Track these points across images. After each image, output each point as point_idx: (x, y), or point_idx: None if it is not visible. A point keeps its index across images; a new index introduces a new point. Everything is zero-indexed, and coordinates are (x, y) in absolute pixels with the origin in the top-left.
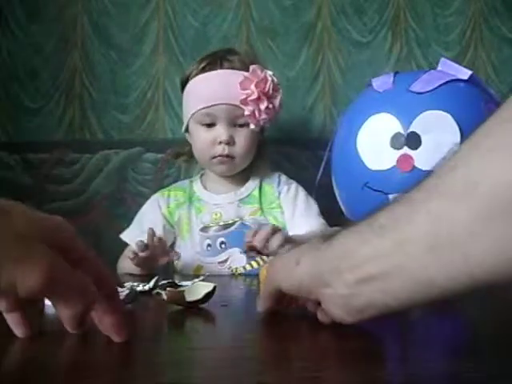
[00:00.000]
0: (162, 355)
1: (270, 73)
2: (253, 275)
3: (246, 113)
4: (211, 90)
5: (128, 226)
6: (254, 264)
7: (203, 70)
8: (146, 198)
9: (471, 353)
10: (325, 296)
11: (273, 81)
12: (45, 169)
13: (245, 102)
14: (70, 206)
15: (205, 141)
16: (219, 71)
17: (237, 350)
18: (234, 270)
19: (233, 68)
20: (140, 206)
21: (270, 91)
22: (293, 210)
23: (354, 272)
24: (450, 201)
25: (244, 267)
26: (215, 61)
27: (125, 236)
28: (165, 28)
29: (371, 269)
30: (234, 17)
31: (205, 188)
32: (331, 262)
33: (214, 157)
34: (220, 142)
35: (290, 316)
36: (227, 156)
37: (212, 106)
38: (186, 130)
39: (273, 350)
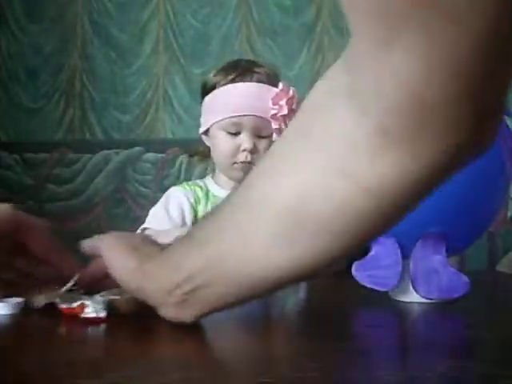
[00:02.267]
0: (162, 355)
1: (293, 89)
2: None
3: (275, 126)
4: (242, 100)
5: (128, 226)
6: None
7: (233, 81)
8: (146, 198)
9: (471, 353)
10: (160, 310)
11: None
12: (45, 169)
13: (275, 116)
14: (70, 206)
15: (229, 147)
16: (250, 84)
17: (237, 350)
18: None
19: (261, 80)
20: (140, 206)
21: (295, 107)
22: None
23: (181, 287)
24: (249, 213)
25: None
26: (244, 73)
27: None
28: (165, 28)
29: (197, 281)
30: (233, 17)
31: (219, 186)
32: (162, 277)
33: (236, 163)
34: (243, 150)
35: (289, 316)
36: (249, 163)
37: (241, 116)
38: (204, 132)
39: (273, 349)
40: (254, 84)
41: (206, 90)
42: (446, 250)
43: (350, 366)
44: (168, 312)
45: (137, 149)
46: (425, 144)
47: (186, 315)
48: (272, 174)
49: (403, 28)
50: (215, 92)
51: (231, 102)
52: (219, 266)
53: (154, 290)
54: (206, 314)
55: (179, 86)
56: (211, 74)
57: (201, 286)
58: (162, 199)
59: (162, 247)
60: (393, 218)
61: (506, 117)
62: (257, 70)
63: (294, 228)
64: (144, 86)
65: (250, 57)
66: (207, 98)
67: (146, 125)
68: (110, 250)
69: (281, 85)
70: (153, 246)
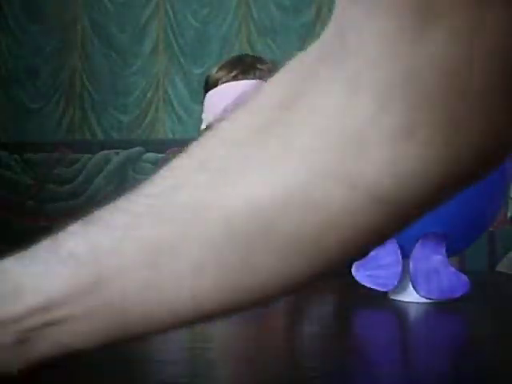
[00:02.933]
0: (162, 355)
1: None
2: None
3: None
4: (244, 98)
5: None
6: None
7: (235, 78)
8: None
9: (471, 353)
10: None
11: None
12: (45, 169)
13: None
14: (70, 206)
15: None
16: (253, 81)
17: (236, 350)
18: None
19: (263, 77)
20: None
21: None
22: None
23: (34, 316)
24: (179, 226)
25: None
26: (248, 69)
27: None
28: (165, 28)
29: (59, 312)
30: (233, 17)
31: None
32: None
33: None
34: None
35: (289, 316)
36: None
37: None
38: (206, 129)
39: (273, 349)
40: (257, 81)
41: (209, 85)
42: (446, 250)
43: (350, 365)
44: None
45: (137, 149)
46: (455, 141)
47: (15, 362)
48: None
49: (441, 12)
50: (217, 89)
51: (233, 99)
52: (105, 288)
53: None
54: (47, 359)
55: (179, 85)
56: (214, 70)
57: (63, 318)
58: None
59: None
60: (399, 228)
61: None
62: (260, 66)
63: (240, 246)
64: (144, 86)
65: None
66: (209, 95)
67: (146, 125)
68: None
69: None
70: None
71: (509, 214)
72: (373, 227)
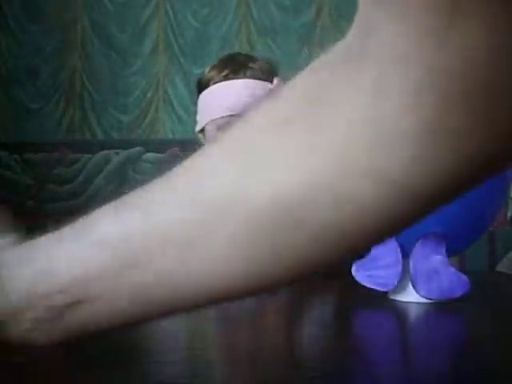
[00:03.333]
0: (161, 355)
1: None
2: None
3: None
4: (235, 98)
5: None
6: None
7: (226, 78)
8: None
9: (471, 353)
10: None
11: None
12: (45, 169)
13: None
14: (70, 206)
15: None
16: (244, 80)
17: (236, 350)
18: None
19: (255, 76)
20: None
21: None
22: None
23: (65, 294)
24: (206, 221)
25: None
26: (239, 68)
27: None
28: (165, 28)
29: (89, 291)
30: (233, 17)
31: None
32: (32, 278)
33: None
34: None
35: (289, 316)
36: None
37: (235, 114)
38: (200, 131)
39: (273, 349)
40: (248, 80)
41: (201, 86)
42: (446, 250)
43: (350, 365)
44: (19, 331)
45: (137, 149)
46: (481, 138)
47: (47, 335)
48: (242, 167)
49: (463, 14)
50: (209, 90)
51: (224, 100)
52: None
53: (24, 290)
54: (73, 336)
55: (179, 85)
56: (206, 70)
57: (92, 298)
58: None
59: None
60: (422, 215)
61: None
62: (251, 65)
63: (268, 239)
64: (144, 86)
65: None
66: (201, 96)
67: (146, 125)
68: None
69: (275, 80)
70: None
71: (509, 214)
72: (399, 216)
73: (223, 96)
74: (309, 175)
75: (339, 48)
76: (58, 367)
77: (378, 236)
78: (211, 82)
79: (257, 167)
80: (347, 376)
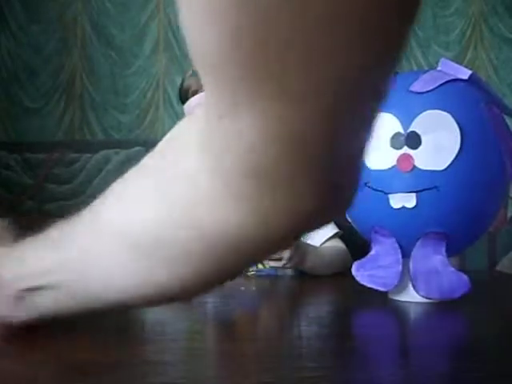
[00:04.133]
0: (161, 355)
1: None
2: (263, 275)
3: None
4: None
5: None
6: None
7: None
8: None
9: (471, 353)
10: None
11: None
12: (45, 169)
13: None
14: (70, 206)
15: None
16: None
17: (236, 350)
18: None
19: None
20: None
21: None
22: None
23: (27, 280)
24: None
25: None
26: None
27: None
28: (165, 28)
29: (44, 280)
30: None
31: None
32: (9, 268)
33: None
34: None
35: (289, 316)
36: None
37: None
38: None
39: (273, 349)
40: None
41: (182, 98)
42: (446, 250)
43: (350, 366)
44: None
45: (137, 149)
46: (268, 208)
47: (20, 313)
48: (118, 201)
49: (241, 101)
50: (187, 103)
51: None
52: (70, 270)
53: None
54: (44, 317)
55: (178, 95)
56: (187, 75)
57: (44, 287)
58: None
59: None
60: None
61: (506, 117)
62: None
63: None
64: (144, 86)
65: None
66: (186, 106)
67: (146, 125)
68: None
69: None
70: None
71: (509, 214)
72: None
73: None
74: (150, 214)
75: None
76: (57, 367)
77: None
78: (190, 92)
79: (127, 202)
80: (347, 376)
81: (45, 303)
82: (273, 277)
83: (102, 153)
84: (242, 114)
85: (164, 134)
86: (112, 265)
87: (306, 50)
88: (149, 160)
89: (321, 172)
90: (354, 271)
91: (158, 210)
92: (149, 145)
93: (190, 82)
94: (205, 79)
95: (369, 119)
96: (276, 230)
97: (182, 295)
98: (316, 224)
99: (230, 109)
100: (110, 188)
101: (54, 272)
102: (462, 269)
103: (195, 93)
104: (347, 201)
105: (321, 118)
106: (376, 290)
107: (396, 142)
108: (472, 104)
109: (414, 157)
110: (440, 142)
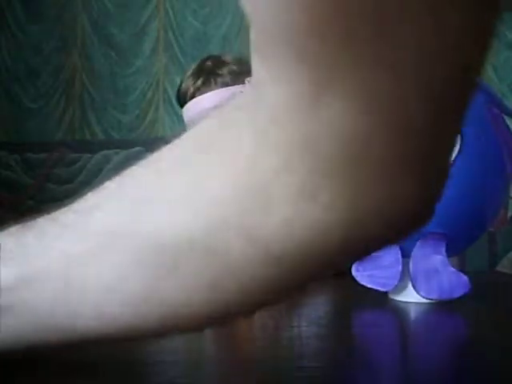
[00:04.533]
0: (161, 355)
1: None
2: None
3: None
4: (206, 113)
5: None
6: None
7: (200, 91)
8: None
9: (471, 353)
10: None
11: None
12: (45, 169)
13: None
14: None
15: None
16: (214, 92)
17: (236, 350)
18: None
19: (225, 83)
20: None
21: None
22: None
23: None
24: (92, 246)
25: None
26: (208, 78)
27: None
28: (165, 28)
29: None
30: (233, 17)
31: None
32: None
33: None
34: None
35: (288, 315)
36: None
37: None
38: None
39: (273, 349)
40: (218, 91)
41: (180, 101)
42: (446, 250)
43: (350, 365)
44: None
45: (137, 149)
46: (358, 205)
47: None
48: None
49: (335, 78)
50: (190, 103)
51: (197, 115)
52: (27, 287)
53: None
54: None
55: (176, 98)
56: (186, 76)
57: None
58: None
59: None
60: (299, 287)
61: (506, 117)
62: (220, 71)
63: (146, 277)
64: (144, 86)
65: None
66: (183, 111)
67: (146, 125)
68: None
69: (246, 81)
70: None
71: (509, 214)
72: (270, 281)
73: (194, 113)
74: (184, 222)
75: (238, 96)
76: (57, 368)
77: (252, 296)
78: (188, 96)
79: (141, 207)
80: (347, 376)
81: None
82: None
83: (102, 153)
84: (331, 98)
85: (164, 134)
86: (112, 278)
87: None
88: (177, 156)
89: (423, 168)
90: (353, 271)
91: (196, 215)
92: (149, 145)
93: (187, 85)
94: (283, 66)
95: (458, 126)
96: (369, 230)
97: (219, 318)
98: (407, 229)
99: (321, 91)
100: (102, 188)
101: (16, 289)
102: (462, 269)
103: (193, 96)
104: (432, 211)
105: (431, 103)
106: (376, 290)
107: None
108: (472, 104)
109: None
110: None
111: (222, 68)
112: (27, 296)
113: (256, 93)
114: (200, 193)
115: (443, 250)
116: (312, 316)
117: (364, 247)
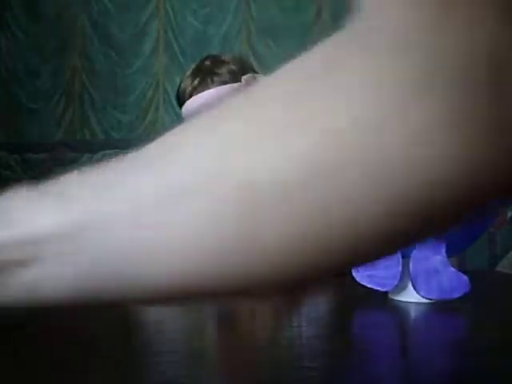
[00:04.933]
0: (161, 355)
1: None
2: None
3: None
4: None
5: None
6: None
7: (196, 90)
8: None
9: (471, 353)
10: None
11: None
12: (45, 169)
13: None
14: None
15: None
16: (211, 90)
17: (236, 350)
18: None
19: (223, 81)
20: None
21: None
22: None
23: (8, 250)
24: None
25: None
26: (205, 78)
27: None
28: (165, 28)
29: (31, 251)
30: (233, 17)
31: None
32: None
33: None
34: None
35: (288, 315)
36: None
37: None
38: None
39: (273, 349)
40: (216, 89)
41: (179, 101)
42: (446, 250)
43: (350, 366)
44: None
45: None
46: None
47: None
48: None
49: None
50: (188, 103)
51: (195, 113)
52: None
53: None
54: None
55: (176, 98)
56: (185, 76)
57: (33, 258)
58: None
59: None
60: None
61: None
62: (218, 70)
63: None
64: (144, 86)
65: (250, 57)
66: (183, 111)
67: (146, 125)
68: None
69: (243, 79)
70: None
71: (509, 214)
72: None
73: (192, 112)
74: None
75: (343, 31)
76: (57, 367)
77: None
78: (186, 94)
79: (233, 143)
80: (347, 376)
81: (28, 283)
82: None
83: (102, 153)
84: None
85: (164, 134)
86: (201, 223)
87: None
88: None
89: None
90: (353, 271)
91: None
92: None
93: (185, 85)
94: None
95: None
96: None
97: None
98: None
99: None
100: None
101: (69, 237)
102: (462, 269)
103: (190, 95)
104: None
105: None
106: (376, 290)
107: None
108: None
109: None
110: None
111: (220, 67)
112: (89, 246)
113: (366, 25)
114: (313, 126)
115: (443, 250)
116: (312, 316)
117: (492, 190)
